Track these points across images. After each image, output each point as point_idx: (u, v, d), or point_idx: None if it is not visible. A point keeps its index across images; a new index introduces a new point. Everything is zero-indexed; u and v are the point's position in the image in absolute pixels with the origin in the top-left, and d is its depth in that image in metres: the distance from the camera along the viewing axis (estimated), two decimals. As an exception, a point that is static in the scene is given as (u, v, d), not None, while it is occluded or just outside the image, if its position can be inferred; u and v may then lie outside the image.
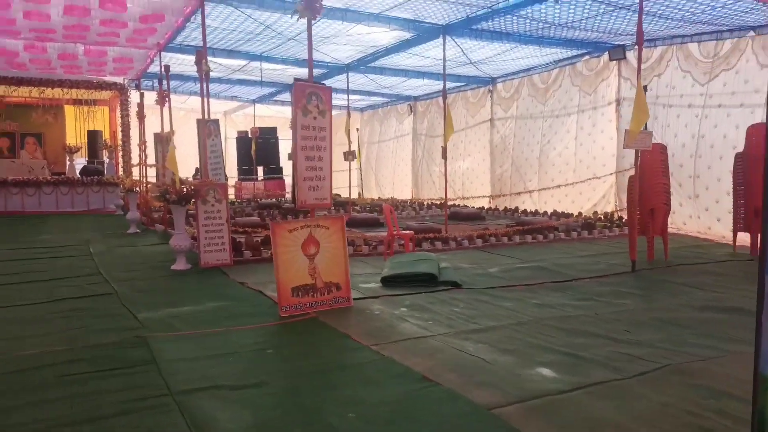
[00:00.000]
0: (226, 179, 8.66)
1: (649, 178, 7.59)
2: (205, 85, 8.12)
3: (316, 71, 14.42)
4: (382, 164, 20.44)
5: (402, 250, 8.47)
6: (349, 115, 14.33)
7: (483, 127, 15.71)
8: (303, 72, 14.64)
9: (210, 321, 4.94)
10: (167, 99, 10.88)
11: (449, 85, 16.26)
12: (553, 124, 13.39)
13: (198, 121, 8.47)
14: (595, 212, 11.88)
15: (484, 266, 7.65)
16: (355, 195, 20.63)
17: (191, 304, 5.53)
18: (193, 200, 7.49)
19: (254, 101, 20.51)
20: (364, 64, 13.46)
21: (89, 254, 8.87)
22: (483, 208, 14.76)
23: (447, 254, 8.79)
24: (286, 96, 18.30)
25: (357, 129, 21.00)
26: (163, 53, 11.94)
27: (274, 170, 21.35)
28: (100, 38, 10.51)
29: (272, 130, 21.61)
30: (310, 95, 5.16)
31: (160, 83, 10.47)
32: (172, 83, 11.81)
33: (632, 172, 11.20)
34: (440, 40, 11.03)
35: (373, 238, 9.28)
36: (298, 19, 6.60)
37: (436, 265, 6.72)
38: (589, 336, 4.36)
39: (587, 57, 12.50)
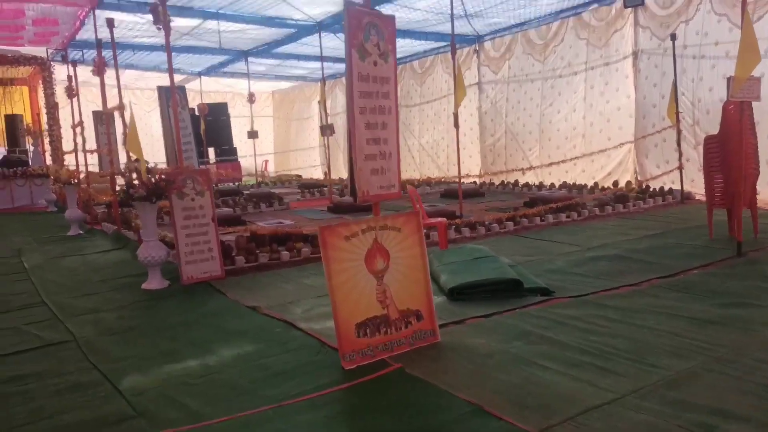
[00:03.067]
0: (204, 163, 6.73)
1: (737, 138, 6.20)
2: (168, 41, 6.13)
3: (282, 30, 12.43)
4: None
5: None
6: (324, 83, 12.37)
7: (469, 92, 14.06)
8: (267, 33, 12.62)
9: (241, 388, 3.16)
10: (105, 66, 8.68)
11: (426, 46, 14.60)
12: (556, 85, 11.92)
13: (159, 89, 6.46)
14: (615, 182, 10.52)
15: (541, 258, 6.11)
16: (327, 176, 18.75)
17: (197, 354, 3.71)
18: (164, 195, 5.57)
19: (200, 74, 18.14)
20: (339, 21, 11.53)
21: (23, 270, 6.80)
22: (476, 183, 13.23)
23: (477, 242, 7.22)
24: (240, 65, 16.11)
25: (318, 101, 19.05)
26: (96, 12, 9.69)
27: (227, 152, 19.11)
28: (15, -10, 8.22)
29: (222, 107, 19.29)
30: (369, 27, 3.38)
31: (99, 47, 8.29)
32: (106, 54, 9.10)
33: (663, 136, 9.98)
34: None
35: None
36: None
37: (505, 265, 5.12)
38: None
39: (595, 5, 11.04)
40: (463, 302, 4.55)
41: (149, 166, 5.68)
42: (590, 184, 10.99)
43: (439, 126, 15.01)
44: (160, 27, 6.41)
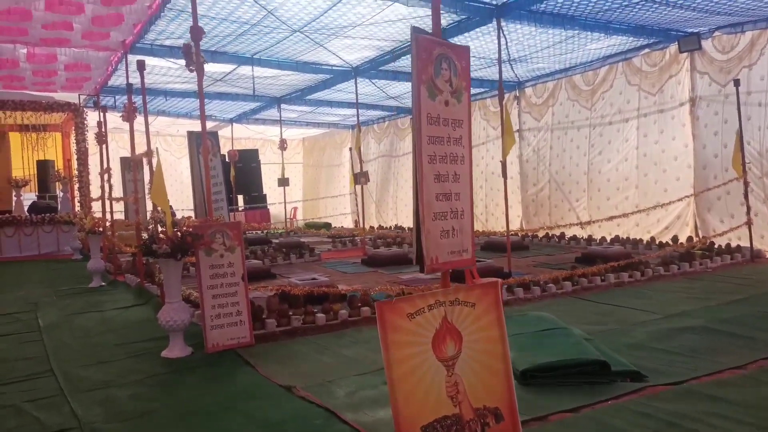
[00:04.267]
0: (232, 215, 6.21)
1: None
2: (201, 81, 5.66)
3: (316, 77, 12.09)
4: (382, 187, 18.03)
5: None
6: (359, 129, 11.91)
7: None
8: (301, 79, 12.29)
9: None
10: (135, 112, 8.35)
11: (464, 93, 14.09)
12: (605, 132, 11.28)
13: (189, 134, 5.98)
14: (675, 237, 9.70)
15: (614, 328, 5.34)
16: (358, 225, 18.21)
17: (221, 455, 3.03)
18: (190, 251, 4.99)
19: (232, 120, 17.95)
20: (375, 67, 11.15)
21: (37, 329, 6.24)
22: (517, 234, 12.48)
23: (533, 305, 6.49)
24: (272, 111, 15.84)
25: (350, 148, 18.69)
26: (129, 57, 9.42)
27: (257, 199, 18.77)
28: (46, 33, 7.94)
29: (253, 153, 19.10)
30: (440, 60, 2.79)
31: (129, 92, 7.95)
32: (137, 100, 8.71)
33: (727, 188, 9.06)
34: (485, 28, 8.86)
35: (426, 286, 6.85)
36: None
37: (582, 340, 4.37)
38: None
39: (647, 50, 10.47)
40: (538, 387, 3.81)
41: (175, 217, 5.13)
42: (645, 238, 10.20)
43: (476, 174, 14.38)
44: (193, 69, 6.00)
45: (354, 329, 5.63)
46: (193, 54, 5.84)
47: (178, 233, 4.87)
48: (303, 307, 5.92)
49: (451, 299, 2.85)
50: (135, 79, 8.20)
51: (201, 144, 5.52)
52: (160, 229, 5.16)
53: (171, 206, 7.87)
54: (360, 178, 11.50)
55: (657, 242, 9.84)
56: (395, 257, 10.10)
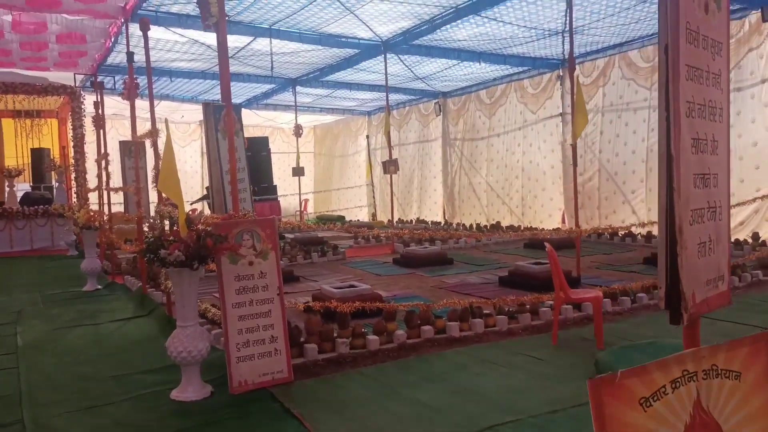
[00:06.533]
0: (253, 208, 5.01)
1: None
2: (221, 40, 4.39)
3: (339, 52, 10.81)
4: (404, 178, 16.69)
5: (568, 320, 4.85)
6: (388, 111, 10.62)
7: (550, 124, 12.22)
8: (321, 56, 11.00)
9: None
10: (137, 91, 7.10)
11: (498, 73, 12.84)
12: (668, 115, 9.96)
13: (206, 106, 4.71)
14: (756, 235, 8.43)
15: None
16: (380, 218, 17.00)
17: None
18: (211, 257, 3.73)
19: (241, 105, 16.62)
20: (408, 40, 9.83)
21: (14, 350, 5.00)
22: (559, 230, 11.21)
23: (624, 321, 5.26)
24: (284, 96, 14.56)
25: (367, 136, 17.42)
26: (130, 29, 8.14)
27: (266, 190, 17.46)
28: (31, -8, 6.69)
29: (263, 141, 17.73)
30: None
31: (130, 60, 6.69)
32: (138, 77, 7.50)
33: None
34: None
35: (500, 299, 5.59)
36: None
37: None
38: None
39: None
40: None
41: (189, 210, 3.86)
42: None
43: (512, 163, 13.11)
44: (210, 26, 4.75)
45: (417, 357, 4.38)
46: (210, 5, 4.60)
47: (194, 233, 3.61)
48: (348, 325, 4.67)
49: (705, 368, 1.58)
50: (139, 56, 6.90)
51: (220, 118, 4.24)
52: (168, 227, 3.91)
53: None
54: (389, 166, 10.23)
55: (732, 240, 8.58)
56: (432, 256, 8.85)
